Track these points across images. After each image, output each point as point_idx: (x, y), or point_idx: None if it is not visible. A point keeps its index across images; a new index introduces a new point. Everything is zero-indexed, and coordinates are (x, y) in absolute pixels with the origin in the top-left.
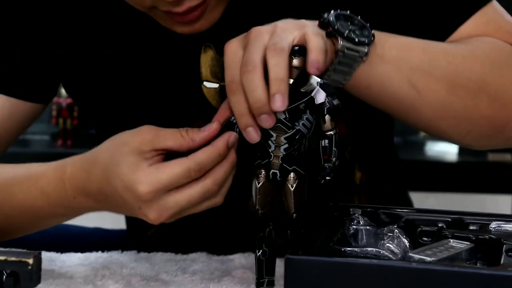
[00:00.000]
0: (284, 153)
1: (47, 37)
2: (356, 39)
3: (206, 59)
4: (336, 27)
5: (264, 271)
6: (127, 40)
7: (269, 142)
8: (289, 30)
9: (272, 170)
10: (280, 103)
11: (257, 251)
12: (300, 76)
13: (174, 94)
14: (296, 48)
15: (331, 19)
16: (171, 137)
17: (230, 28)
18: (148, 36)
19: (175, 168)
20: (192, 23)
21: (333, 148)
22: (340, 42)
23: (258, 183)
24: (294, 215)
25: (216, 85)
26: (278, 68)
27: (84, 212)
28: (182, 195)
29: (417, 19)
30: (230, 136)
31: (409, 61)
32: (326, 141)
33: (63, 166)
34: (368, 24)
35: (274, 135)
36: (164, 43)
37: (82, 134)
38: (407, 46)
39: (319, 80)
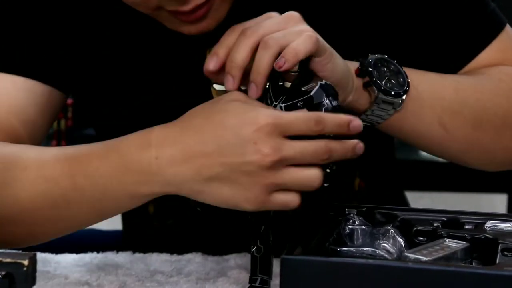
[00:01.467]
0: None
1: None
2: (392, 92)
3: None
4: (374, 78)
5: (258, 268)
6: (134, 41)
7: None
8: (294, 34)
9: None
10: (253, 92)
11: (251, 247)
12: (302, 76)
13: (180, 95)
14: None
15: (370, 69)
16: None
17: None
18: (155, 37)
19: (298, 113)
20: (199, 22)
21: None
22: (377, 94)
23: None
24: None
25: (225, 88)
26: (260, 62)
27: (151, 190)
28: (297, 142)
29: (436, 47)
30: (356, 121)
31: (441, 102)
32: None
33: (149, 130)
34: (403, 70)
35: None
36: (170, 44)
37: (76, 135)
38: (440, 86)
39: (322, 81)
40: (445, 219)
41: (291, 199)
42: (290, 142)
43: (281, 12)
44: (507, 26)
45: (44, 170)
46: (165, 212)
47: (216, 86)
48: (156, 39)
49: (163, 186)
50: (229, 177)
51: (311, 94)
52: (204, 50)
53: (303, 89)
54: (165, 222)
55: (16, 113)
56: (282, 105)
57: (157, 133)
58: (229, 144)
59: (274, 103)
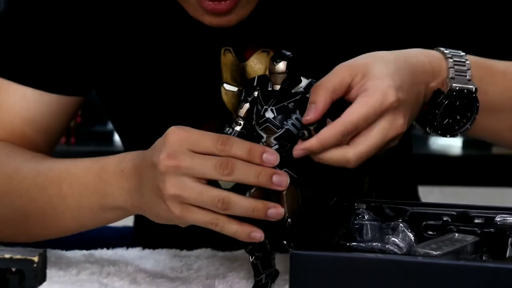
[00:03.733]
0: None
1: (80, 34)
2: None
3: (226, 62)
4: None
5: (260, 269)
6: (150, 38)
7: (260, 144)
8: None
9: None
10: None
11: (249, 257)
12: (290, 78)
13: (190, 92)
14: (277, 54)
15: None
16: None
17: (251, 36)
18: (170, 34)
19: (205, 132)
20: (222, 15)
21: None
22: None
23: (252, 189)
24: (289, 220)
25: (235, 89)
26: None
27: (115, 202)
28: (198, 156)
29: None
30: (271, 154)
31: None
32: None
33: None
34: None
35: (264, 136)
36: (187, 41)
37: (85, 132)
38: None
39: (309, 80)
40: (454, 213)
41: (202, 218)
42: (190, 154)
43: (296, 26)
44: None
45: (38, 178)
46: None
47: (227, 86)
48: (175, 36)
49: (123, 200)
50: (146, 182)
51: (302, 86)
52: (219, 49)
53: (292, 91)
54: None
55: (30, 124)
56: (273, 107)
57: (131, 154)
58: (150, 152)
59: (265, 106)
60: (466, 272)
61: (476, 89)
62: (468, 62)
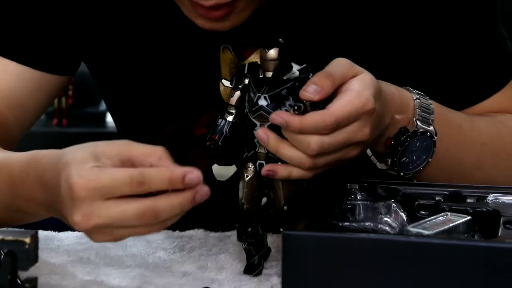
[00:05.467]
0: None
1: (73, 14)
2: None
3: (225, 59)
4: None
5: (253, 252)
6: (147, 26)
7: (254, 132)
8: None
9: (259, 161)
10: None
11: (242, 243)
12: (282, 65)
13: (188, 83)
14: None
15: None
16: (141, 148)
17: (251, 36)
18: (170, 26)
19: (119, 173)
20: (215, 21)
21: None
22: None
23: (247, 176)
24: (285, 207)
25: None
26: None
27: (31, 209)
28: (115, 206)
29: (452, 80)
30: (192, 174)
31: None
32: None
33: (36, 153)
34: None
35: (258, 123)
36: (185, 35)
37: (77, 113)
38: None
39: (304, 65)
40: (447, 193)
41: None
42: (108, 206)
43: (294, 27)
44: None
45: None
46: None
47: (225, 82)
48: (175, 29)
49: (37, 207)
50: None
51: (296, 70)
52: (218, 46)
53: (284, 78)
54: None
55: (4, 98)
56: (266, 95)
57: (34, 168)
58: (57, 200)
59: (258, 94)
60: (458, 251)
61: (436, 133)
62: (432, 106)
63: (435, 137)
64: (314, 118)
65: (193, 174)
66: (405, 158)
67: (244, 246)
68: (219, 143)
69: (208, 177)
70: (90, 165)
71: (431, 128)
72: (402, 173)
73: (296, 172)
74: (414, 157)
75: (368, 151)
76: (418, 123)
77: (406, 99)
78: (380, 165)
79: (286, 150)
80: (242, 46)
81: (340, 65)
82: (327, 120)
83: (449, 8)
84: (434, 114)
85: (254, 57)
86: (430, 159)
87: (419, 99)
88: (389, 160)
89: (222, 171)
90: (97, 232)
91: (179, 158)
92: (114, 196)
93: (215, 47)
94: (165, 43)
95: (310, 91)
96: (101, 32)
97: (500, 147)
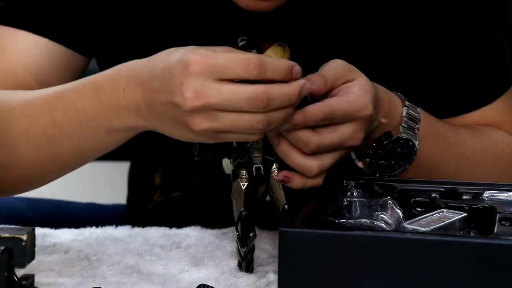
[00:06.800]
0: (263, 144)
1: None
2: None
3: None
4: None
5: (246, 251)
6: (165, 13)
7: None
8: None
9: (255, 166)
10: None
11: (240, 247)
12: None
13: None
14: (243, 43)
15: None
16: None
17: (270, 30)
18: (189, 15)
19: (236, 53)
20: (260, 0)
21: None
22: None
23: (243, 185)
24: (286, 206)
25: None
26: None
27: (123, 123)
28: (228, 87)
29: (440, 90)
30: (297, 67)
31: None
32: None
33: (122, 64)
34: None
35: None
36: (204, 26)
37: None
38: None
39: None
40: (443, 189)
41: (238, 138)
42: (219, 87)
43: (318, 14)
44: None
45: (26, 108)
46: (171, 185)
47: None
48: (189, 17)
49: (133, 120)
50: (166, 115)
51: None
52: (236, 38)
53: None
54: (170, 195)
55: (34, 73)
56: None
57: (127, 67)
58: (163, 84)
59: None
60: (454, 248)
61: (418, 143)
62: (419, 116)
63: (417, 147)
64: (315, 109)
65: (297, 67)
66: (383, 161)
67: (243, 250)
68: (208, 157)
69: (217, 170)
70: (204, 48)
71: (415, 137)
72: (377, 175)
73: (310, 182)
74: (393, 162)
75: None
76: (403, 130)
77: (395, 105)
78: (358, 163)
79: (294, 157)
80: (260, 39)
81: (335, 67)
82: (327, 111)
83: (449, 18)
84: (420, 123)
85: (270, 51)
86: (407, 166)
87: (407, 107)
88: (368, 160)
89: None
90: (203, 115)
91: None
92: (228, 78)
93: (232, 39)
94: (179, 36)
95: (317, 82)
96: (118, 23)
97: (480, 161)
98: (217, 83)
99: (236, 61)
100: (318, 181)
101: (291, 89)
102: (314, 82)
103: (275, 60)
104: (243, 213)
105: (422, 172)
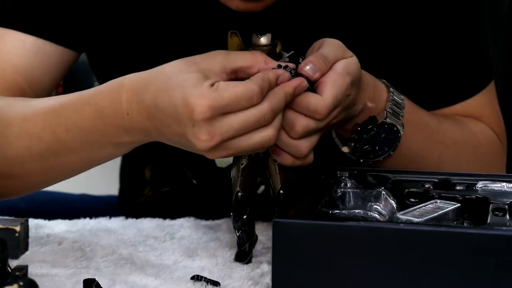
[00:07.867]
0: None
1: None
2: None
3: (232, 44)
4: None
5: (245, 240)
6: (157, 8)
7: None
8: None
9: None
10: None
11: (236, 231)
12: (274, 51)
13: None
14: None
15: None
16: (242, 57)
17: (257, 22)
18: (179, 10)
19: (237, 87)
20: (251, 1)
21: None
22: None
23: (242, 164)
24: (281, 191)
25: None
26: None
27: (133, 139)
28: (237, 118)
29: (424, 82)
30: (304, 83)
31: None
32: None
33: (121, 80)
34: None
35: None
36: (193, 19)
37: None
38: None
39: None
40: (436, 180)
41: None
42: (230, 121)
43: (309, 24)
44: (492, 83)
45: (26, 124)
46: (161, 179)
47: None
48: (180, 12)
49: (143, 137)
50: (179, 142)
51: (286, 57)
52: (226, 32)
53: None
54: (160, 190)
55: (23, 73)
56: None
57: (126, 88)
58: (171, 119)
59: None
60: (448, 238)
61: (403, 129)
62: (403, 102)
63: (401, 132)
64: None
65: (304, 83)
66: (368, 146)
67: (238, 234)
68: None
69: (209, 163)
70: (206, 85)
71: (399, 123)
72: (361, 160)
73: (299, 161)
74: (377, 147)
75: (333, 133)
76: (388, 115)
77: (380, 90)
78: (342, 148)
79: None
80: (247, 32)
81: (334, 47)
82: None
83: (434, 13)
84: (405, 110)
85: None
86: (391, 152)
87: (392, 93)
88: (352, 145)
89: (223, 158)
90: (219, 148)
91: None
92: (234, 111)
93: (222, 33)
94: (170, 32)
95: (308, 68)
96: (108, 18)
97: (461, 151)
98: (226, 117)
99: (240, 97)
100: (309, 159)
101: (291, 92)
102: (318, 68)
103: (276, 90)
104: (239, 193)
105: (406, 160)
